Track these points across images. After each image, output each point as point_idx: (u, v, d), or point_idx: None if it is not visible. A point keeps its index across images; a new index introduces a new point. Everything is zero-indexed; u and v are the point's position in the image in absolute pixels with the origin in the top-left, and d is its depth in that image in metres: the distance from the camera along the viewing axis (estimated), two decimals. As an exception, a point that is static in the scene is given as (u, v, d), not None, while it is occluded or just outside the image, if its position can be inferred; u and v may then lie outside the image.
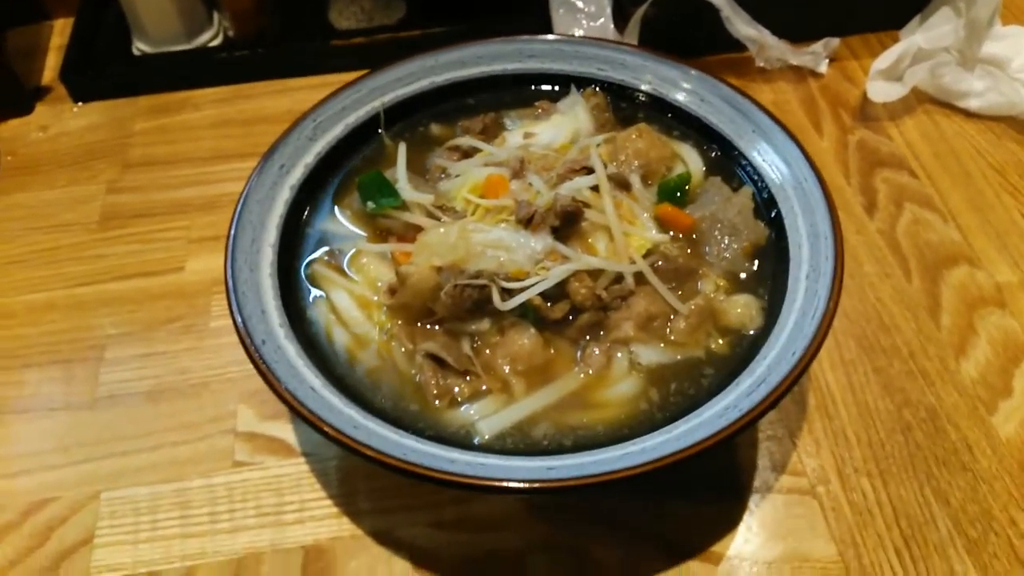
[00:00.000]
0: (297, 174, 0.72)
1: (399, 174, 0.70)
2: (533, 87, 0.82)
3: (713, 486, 0.69)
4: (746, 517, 0.67)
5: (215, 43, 1.09)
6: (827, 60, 1.06)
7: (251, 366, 0.76)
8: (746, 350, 0.62)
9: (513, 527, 0.66)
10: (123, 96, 1.06)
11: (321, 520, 0.68)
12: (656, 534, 0.66)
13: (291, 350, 0.60)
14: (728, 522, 0.67)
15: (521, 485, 0.51)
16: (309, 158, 0.74)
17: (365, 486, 0.70)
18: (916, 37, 1.01)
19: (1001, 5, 0.98)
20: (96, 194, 0.96)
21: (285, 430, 0.74)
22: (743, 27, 0.99)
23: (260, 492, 0.70)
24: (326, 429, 0.55)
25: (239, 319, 0.60)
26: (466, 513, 0.67)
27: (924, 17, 1.07)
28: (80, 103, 1.06)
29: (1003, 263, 0.85)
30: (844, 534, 0.66)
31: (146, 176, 0.98)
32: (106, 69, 1.07)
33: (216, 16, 1.10)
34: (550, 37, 0.82)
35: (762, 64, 1.03)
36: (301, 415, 0.56)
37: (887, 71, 1.01)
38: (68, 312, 0.85)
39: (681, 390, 0.60)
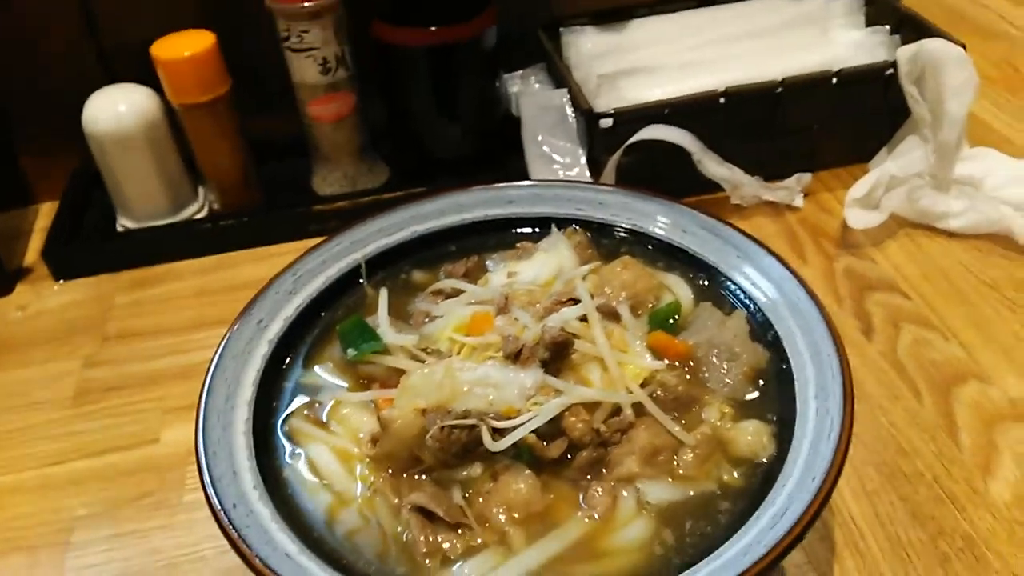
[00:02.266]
0: (275, 328, 0.70)
1: (380, 318, 0.68)
2: (514, 230, 0.81)
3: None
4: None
5: (200, 215, 1.11)
6: (802, 194, 1.07)
7: (226, 542, 0.70)
8: (761, 480, 0.57)
9: None
10: (105, 272, 1.06)
11: None
12: None
13: (265, 514, 0.55)
14: None
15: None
16: (289, 311, 0.72)
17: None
18: (888, 165, 1.03)
19: (965, 130, 1.01)
20: (72, 370, 0.93)
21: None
22: (715, 167, 1.02)
23: None
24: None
25: (208, 482, 0.55)
26: None
27: (891, 147, 1.10)
28: (62, 280, 1.06)
29: (1013, 376, 0.81)
30: None
31: (123, 349, 0.95)
32: (88, 245, 1.07)
33: (201, 190, 1.12)
34: (527, 183, 0.83)
35: (738, 202, 1.04)
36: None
37: (863, 200, 1.02)
38: (36, 494, 0.80)
39: (697, 529, 0.55)
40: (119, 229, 1.10)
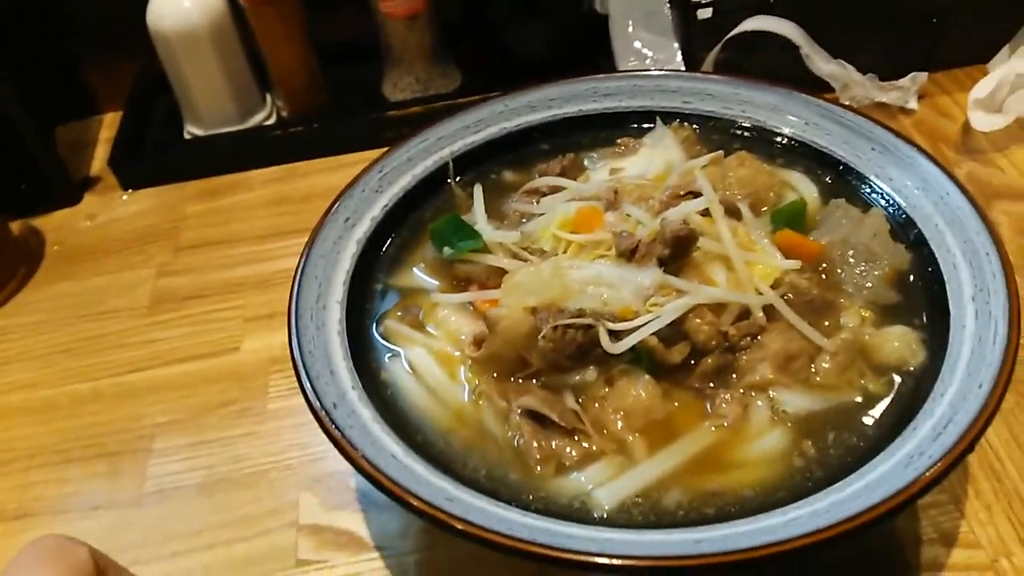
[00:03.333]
0: (363, 227, 0.66)
1: (477, 215, 0.63)
2: (612, 128, 0.75)
3: (872, 568, 0.57)
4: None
5: (268, 123, 1.06)
6: (917, 96, 0.98)
7: (314, 450, 0.68)
8: (912, 389, 0.51)
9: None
10: (174, 181, 1.02)
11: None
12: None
13: (366, 415, 0.51)
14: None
15: (666, 563, 0.40)
16: (375, 211, 0.67)
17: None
18: (1013, 63, 0.94)
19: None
20: (146, 279, 0.91)
21: (355, 521, 0.64)
22: (824, 64, 0.93)
23: (329, 595, 0.60)
24: (415, 503, 0.45)
25: (306, 380, 0.51)
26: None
27: (1014, 47, 1.00)
28: (130, 190, 1.03)
29: None
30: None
31: (199, 258, 0.92)
32: (156, 154, 1.04)
33: (269, 97, 1.07)
34: (625, 72, 0.76)
35: (847, 103, 0.96)
36: (383, 487, 0.46)
37: (985, 101, 0.93)
38: (115, 402, 0.78)
39: (841, 441, 0.50)
40: (186, 137, 1.06)
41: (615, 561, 0.41)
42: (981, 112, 0.93)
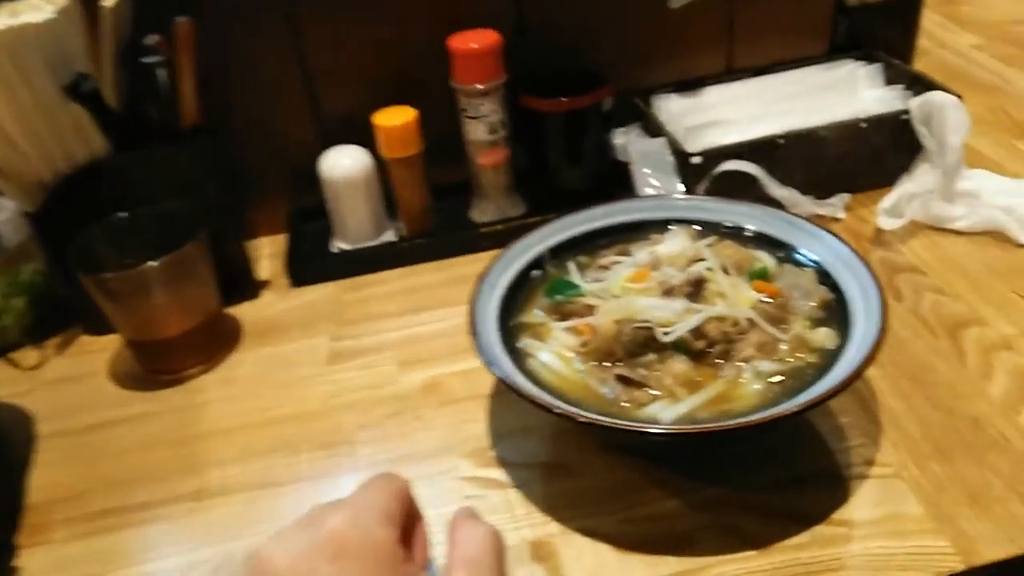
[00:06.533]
0: (499, 290, 1.07)
1: (574, 277, 1.05)
2: (643, 230, 1.18)
3: (821, 477, 0.95)
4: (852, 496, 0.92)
5: (393, 239, 1.50)
6: (843, 209, 1.43)
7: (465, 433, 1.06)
8: (830, 358, 0.91)
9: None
10: (329, 280, 1.44)
11: (536, 526, 0.93)
12: (790, 512, 0.91)
13: (526, 384, 0.91)
14: (838, 500, 0.92)
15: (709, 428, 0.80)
16: (505, 280, 1.08)
17: (565, 503, 0.95)
18: (907, 184, 1.39)
19: (963, 157, 1.36)
20: (322, 344, 1.29)
21: (500, 472, 1.02)
22: (777, 190, 1.38)
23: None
24: (557, 410, 0.84)
25: (490, 366, 0.91)
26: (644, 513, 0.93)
27: (910, 172, 1.46)
28: (297, 288, 1.44)
29: (1003, 322, 1.15)
30: (928, 498, 0.91)
31: (358, 329, 1.31)
32: (318, 260, 1.47)
33: (391, 221, 1.52)
34: (652, 196, 1.20)
35: (793, 213, 1.40)
36: (533, 402, 0.85)
37: (890, 210, 1.38)
38: (323, 417, 1.14)
39: (794, 385, 0.90)
40: (335, 250, 1.49)
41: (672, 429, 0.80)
42: (887, 216, 1.37)
